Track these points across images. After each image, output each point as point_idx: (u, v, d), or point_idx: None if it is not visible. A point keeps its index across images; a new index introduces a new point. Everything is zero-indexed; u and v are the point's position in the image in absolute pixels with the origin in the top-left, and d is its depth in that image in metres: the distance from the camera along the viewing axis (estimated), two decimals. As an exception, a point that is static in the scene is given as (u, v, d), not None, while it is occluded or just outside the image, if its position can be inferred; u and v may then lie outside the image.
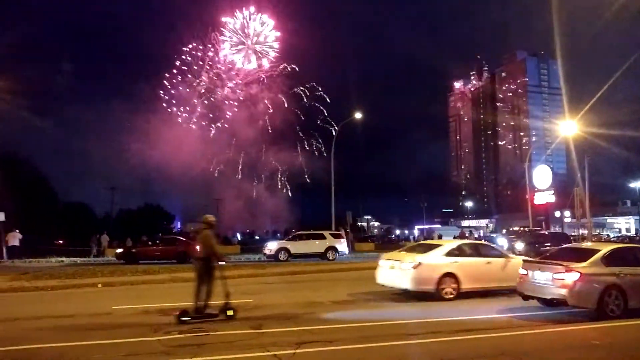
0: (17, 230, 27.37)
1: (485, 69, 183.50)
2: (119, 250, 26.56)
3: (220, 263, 9.71)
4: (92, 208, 67.08)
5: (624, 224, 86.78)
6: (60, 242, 43.86)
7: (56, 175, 63.10)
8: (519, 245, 26.36)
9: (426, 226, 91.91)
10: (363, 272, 19.67)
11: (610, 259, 9.73)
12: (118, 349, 7.10)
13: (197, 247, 9.79)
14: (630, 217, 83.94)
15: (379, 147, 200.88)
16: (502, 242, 30.84)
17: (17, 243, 27.13)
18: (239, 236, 70.66)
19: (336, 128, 39.56)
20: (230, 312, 9.33)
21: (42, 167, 55.28)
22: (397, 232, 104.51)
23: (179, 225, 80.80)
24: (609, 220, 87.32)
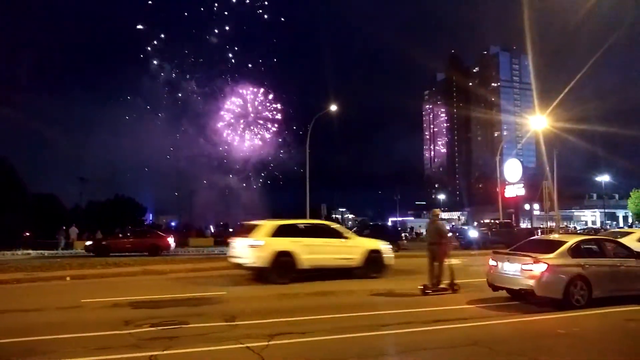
0: (-19, 222, 26.53)
1: (459, 63, 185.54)
2: (89, 243, 26.02)
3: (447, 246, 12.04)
4: (61, 199, 65.52)
5: (590, 217, 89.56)
6: (27, 234, 42.73)
7: (25, 166, 61.30)
8: None
9: (399, 218, 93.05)
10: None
11: (576, 251, 10.03)
12: (89, 342, 6.96)
13: (429, 235, 12.27)
14: (596, 210, 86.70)
15: (354, 140, 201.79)
16: (473, 234, 31.48)
17: (-19, 235, 26.31)
18: (212, 228, 70.11)
19: (304, 127, 39.52)
20: (456, 287, 11.53)
21: (10, 158, 53.77)
22: (371, 224, 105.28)
23: (150, 218, 79.78)
24: (576, 213, 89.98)
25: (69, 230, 34.49)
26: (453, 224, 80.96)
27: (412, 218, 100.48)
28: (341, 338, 7.19)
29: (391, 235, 27.42)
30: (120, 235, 27.56)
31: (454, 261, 20.62)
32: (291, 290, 11.95)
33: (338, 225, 15.84)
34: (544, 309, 9.48)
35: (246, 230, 14.38)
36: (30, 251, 27.78)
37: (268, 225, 13.99)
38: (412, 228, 60.60)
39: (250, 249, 13.31)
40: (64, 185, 69.21)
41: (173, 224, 78.26)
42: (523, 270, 9.68)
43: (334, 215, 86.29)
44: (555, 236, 12.29)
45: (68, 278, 14.47)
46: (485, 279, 10.86)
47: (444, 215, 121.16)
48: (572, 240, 10.40)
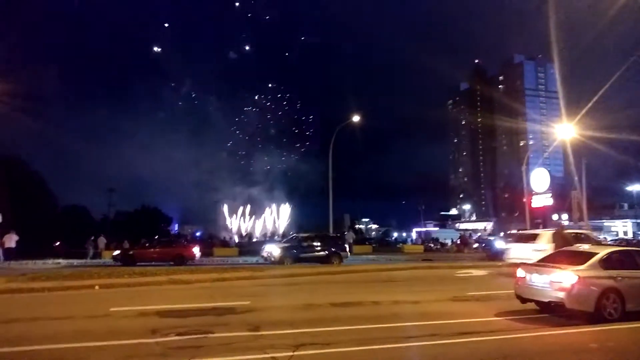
0: (14, 232, 27.22)
1: (483, 72, 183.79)
2: (116, 252, 26.46)
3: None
4: (90, 210, 66.97)
5: (621, 227, 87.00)
6: (57, 244, 43.75)
7: (56, 178, 62.94)
8: (275, 251, 24.48)
9: (424, 229, 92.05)
10: (361, 274, 19.73)
11: (608, 262, 9.75)
12: (116, 351, 7.08)
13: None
14: (628, 220, 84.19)
15: (377, 150, 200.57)
16: (500, 244, 30.88)
17: (13, 245, 26.95)
18: (236, 238, 70.69)
19: (327, 138, 39.47)
20: None
21: (41, 170, 55.24)
22: (395, 234, 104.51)
23: (176, 228, 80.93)
24: (606, 223, 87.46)
25: (98, 240, 35.17)
26: (479, 234, 79.57)
27: (437, 228, 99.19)
28: (366, 350, 7.13)
29: (331, 246, 24.83)
30: (147, 245, 27.95)
31: (481, 272, 20.39)
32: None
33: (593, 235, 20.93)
34: (574, 322, 9.23)
35: (526, 238, 19.06)
36: (60, 260, 28.38)
37: (547, 233, 18.43)
38: (436, 239, 59.77)
39: (536, 252, 16.26)
40: (93, 197, 70.85)
41: (198, 234, 79.19)
42: (552, 282, 9.45)
43: (357, 226, 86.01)
44: (585, 247, 11.95)
45: (97, 287, 14.72)
46: (512, 291, 10.64)
47: (469, 225, 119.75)
48: (603, 252, 10.13)
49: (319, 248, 24.32)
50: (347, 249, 25.80)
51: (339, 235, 28.22)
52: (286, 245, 25.39)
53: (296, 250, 24.13)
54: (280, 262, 23.02)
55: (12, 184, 36.52)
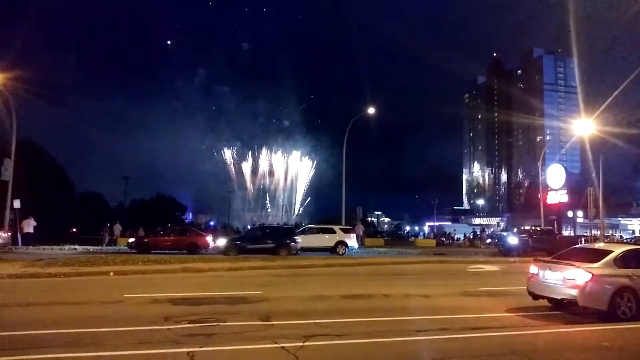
0: (32, 218, 27.70)
1: (502, 66, 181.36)
2: (131, 240, 26.79)
3: None
4: (106, 198, 67.88)
5: (637, 226, 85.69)
6: (74, 230, 44.43)
7: (74, 166, 63.83)
8: (221, 243, 24.71)
9: (436, 223, 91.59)
10: (372, 267, 19.78)
11: (623, 261, 9.62)
12: (129, 336, 7.20)
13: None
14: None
15: (391, 143, 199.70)
16: (512, 240, 30.64)
17: (31, 230, 27.45)
18: (249, 228, 71.12)
19: (341, 130, 39.34)
20: None
21: (59, 157, 56.03)
22: (407, 228, 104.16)
23: (190, 216, 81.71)
24: (623, 221, 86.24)
25: (113, 227, 35.66)
26: (492, 229, 78.94)
27: (450, 223, 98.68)
28: (376, 342, 7.16)
29: (279, 238, 24.10)
30: (162, 233, 28.24)
31: (493, 267, 20.32)
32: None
33: None
34: (587, 320, 9.15)
35: None
36: (76, 246, 28.83)
37: None
38: (448, 233, 59.44)
39: None
40: (109, 184, 71.80)
41: (212, 223, 79.88)
42: (566, 280, 9.37)
43: (369, 219, 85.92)
44: (600, 245, 11.81)
45: (112, 273, 14.97)
46: (524, 287, 10.58)
47: (482, 221, 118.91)
48: (618, 250, 10.00)
49: (267, 240, 24.14)
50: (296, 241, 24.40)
51: (289, 226, 28.31)
52: (233, 236, 25.53)
53: (242, 242, 24.20)
54: (225, 253, 22.97)
55: (31, 170, 37.04)
